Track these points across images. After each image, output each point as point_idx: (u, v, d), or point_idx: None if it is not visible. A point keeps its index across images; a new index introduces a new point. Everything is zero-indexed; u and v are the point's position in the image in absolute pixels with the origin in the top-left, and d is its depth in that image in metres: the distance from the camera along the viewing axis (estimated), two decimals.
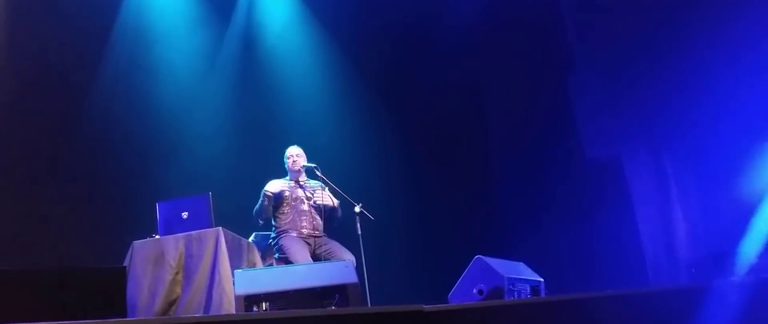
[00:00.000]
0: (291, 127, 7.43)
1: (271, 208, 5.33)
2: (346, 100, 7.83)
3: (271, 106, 7.69)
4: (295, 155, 5.53)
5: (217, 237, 4.65)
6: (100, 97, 6.93)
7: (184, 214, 4.86)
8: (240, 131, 7.46)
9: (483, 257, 4.87)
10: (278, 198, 5.37)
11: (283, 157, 5.60)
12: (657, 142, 6.98)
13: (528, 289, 4.96)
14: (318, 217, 5.42)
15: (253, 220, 5.41)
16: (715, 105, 6.39)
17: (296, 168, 5.50)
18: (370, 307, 4.74)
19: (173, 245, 4.72)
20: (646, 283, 6.51)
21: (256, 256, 5.27)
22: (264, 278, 4.33)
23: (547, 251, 6.65)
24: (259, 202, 5.29)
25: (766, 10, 6.32)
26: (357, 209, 5.30)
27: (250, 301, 4.15)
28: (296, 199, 5.41)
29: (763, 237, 5.64)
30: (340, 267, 4.44)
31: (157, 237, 4.84)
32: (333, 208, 5.50)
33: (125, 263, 4.69)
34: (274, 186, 5.32)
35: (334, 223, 5.59)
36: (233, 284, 4.37)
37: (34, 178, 6.44)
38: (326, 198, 5.47)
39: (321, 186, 5.58)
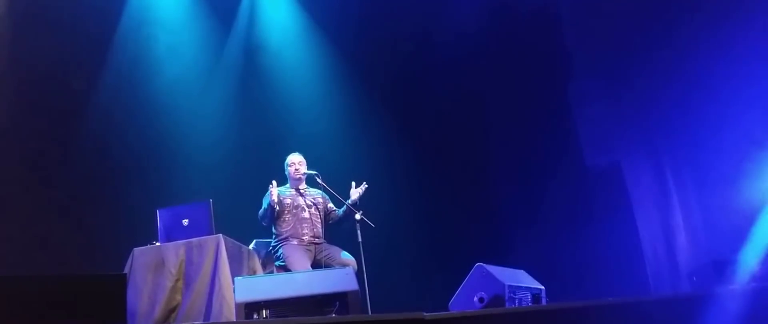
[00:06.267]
0: (292, 134, 7.42)
1: (274, 212, 5.31)
2: (347, 108, 7.83)
3: (272, 113, 7.69)
4: (297, 163, 5.53)
5: (218, 244, 4.65)
6: (101, 103, 6.94)
7: (185, 221, 4.86)
8: (241, 138, 7.46)
9: (484, 265, 4.87)
10: (279, 206, 5.36)
11: (284, 165, 5.61)
12: (657, 149, 6.99)
13: (529, 296, 4.95)
14: (318, 225, 5.42)
15: (253, 227, 5.41)
16: (716, 112, 6.39)
17: (297, 176, 5.50)
18: (370, 314, 4.74)
19: (174, 252, 4.72)
20: (647, 291, 6.50)
21: (257, 263, 5.26)
22: (264, 286, 4.32)
23: (548, 259, 6.64)
24: (265, 207, 5.27)
25: (766, 17, 6.34)
26: (358, 217, 5.29)
27: (251, 308, 4.16)
28: (297, 206, 5.40)
29: (763, 245, 5.63)
30: (341, 274, 4.44)
31: (158, 244, 4.84)
32: (331, 215, 5.52)
33: (125, 270, 4.69)
34: (275, 195, 5.25)
35: (341, 224, 5.58)
36: (234, 291, 4.37)
37: (34, 185, 6.44)
38: (322, 207, 5.51)
39: (321, 194, 5.59)
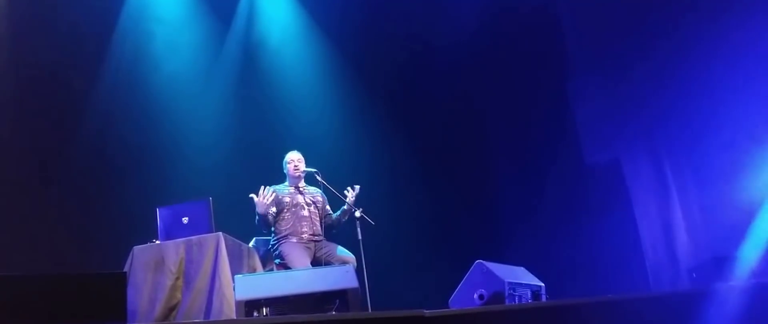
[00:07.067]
0: (292, 132, 7.43)
1: (269, 219, 5.32)
2: (347, 106, 7.83)
3: (271, 112, 7.70)
4: (296, 160, 5.53)
5: (218, 242, 4.65)
6: (100, 101, 6.94)
7: (185, 220, 4.86)
8: (241, 136, 7.47)
9: (484, 262, 4.87)
10: (279, 203, 5.36)
11: (282, 162, 5.60)
12: (656, 146, 6.98)
13: (529, 293, 4.96)
14: (318, 222, 5.42)
15: (253, 225, 5.41)
16: (715, 108, 6.39)
17: (297, 173, 5.50)
18: (370, 312, 4.74)
19: (173, 250, 4.72)
20: (647, 287, 6.51)
21: (257, 261, 5.26)
22: (264, 283, 4.32)
23: (548, 256, 6.65)
24: (257, 219, 5.28)
25: (765, 14, 6.33)
26: (357, 214, 5.31)
27: (251, 306, 4.15)
28: (296, 204, 5.40)
29: (763, 241, 5.63)
30: (341, 272, 4.44)
31: (158, 242, 4.84)
32: (327, 215, 5.51)
33: (125, 269, 4.69)
34: (267, 203, 5.21)
35: (334, 230, 5.59)
36: (234, 289, 4.37)
37: (34, 183, 6.45)
38: (321, 205, 5.51)
39: (321, 192, 5.58)
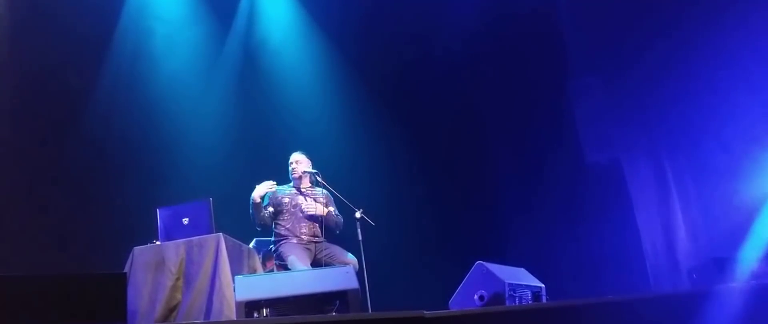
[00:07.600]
0: (292, 132, 7.44)
1: (264, 214, 5.30)
2: (348, 107, 7.83)
3: (272, 112, 7.70)
4: (295, 162, 5.53)
5: (218, 243, 4.65)
6: (100, 102, 6.94)
7: (185, 220, 4.85)
8: (241, 136, 7.47)
9: (484, 263, 4.86)
10: (278, 204, 5.36)
11: (284, 163, 5.60)
12: (657, 146, 6.99)
13: (529, 294, 4.95)
14: (317, 224, 5.40)
15: (253, 226, 5.40)
16: (716, 109, 6.40)
17: (296, 175, 5.50)
18: (370, 312, 4.74)
19: (174, 251, 4.71)
20: (647, 288, 6.51)
21: (257, 262, 5.26)
22: (265, 284, 4.32)
23: (548, 257, 6.65)
24: (250, 209, 5.29)
25: (765, 13, 6.33)
26: (358, 215, 5.30)
27: (251, 307, 4.15)
28: (296, 206, 5.40)
29: (763, 242, 5.64)
30: (341, 273, 4.44)
31: (158, 243, 4.84)
32: (327, 217, 5.42)
33: (126, 269, 4.68)
34: (259, 191, 5.25)
35: (336, 232, 5.57)
36: (234, 290, 4.36)
37: (34, 184, 6.44)
38: (320, 208, 5.39)
39: (323, 193, 5.56)
